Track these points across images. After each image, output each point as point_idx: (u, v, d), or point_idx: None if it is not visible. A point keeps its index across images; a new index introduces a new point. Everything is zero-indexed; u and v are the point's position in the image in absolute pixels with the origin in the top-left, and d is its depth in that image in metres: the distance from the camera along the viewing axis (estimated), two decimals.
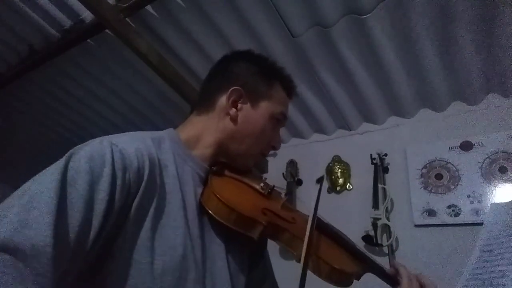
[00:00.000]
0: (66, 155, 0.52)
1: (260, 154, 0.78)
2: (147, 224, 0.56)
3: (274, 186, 0.79)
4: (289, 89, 0.81)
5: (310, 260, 0.66)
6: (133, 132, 0.66)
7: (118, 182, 0.52)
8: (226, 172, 0.75)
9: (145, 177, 0.57)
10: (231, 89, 0.73)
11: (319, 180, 0.78)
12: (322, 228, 0.76)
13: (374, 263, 0.76)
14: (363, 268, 0.74)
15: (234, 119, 0.73)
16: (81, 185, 0.49)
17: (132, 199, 0.55)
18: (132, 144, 0.59)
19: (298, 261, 0.62)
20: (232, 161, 0.76)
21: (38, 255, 0.42)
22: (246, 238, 0.68)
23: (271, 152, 0.82)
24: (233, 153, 0.75)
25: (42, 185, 0.47)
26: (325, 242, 0.74)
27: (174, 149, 0.68)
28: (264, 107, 0.75)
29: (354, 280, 0.71)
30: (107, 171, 0.52)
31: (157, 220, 0.58)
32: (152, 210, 0.57)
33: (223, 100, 0.74)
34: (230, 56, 0.82)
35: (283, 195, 0.83)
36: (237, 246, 0.72)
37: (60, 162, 0.51)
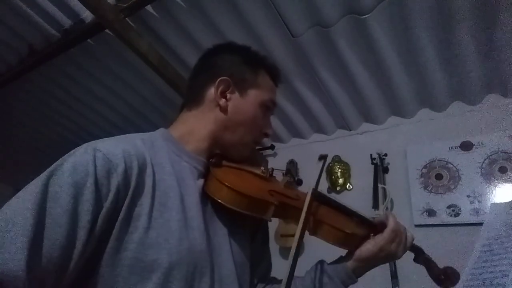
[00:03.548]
0: (49, 169, 0.52)
1: (253, 143, 0.79)
2: (143, 222, 0.56)
3: (273, 169, 0.81)
4: (275, 76, 0.81)
5: (321, 229, 0.72)
6: (123, 135, 0.66)
7: (103, 190, 0.53)
8: (225, 163, 0.76)
9: (134, 178, 0.57)
10: (218, 79, 0.73)
11: (322, 157, 0.80)
12: (325, 201, 0.79)
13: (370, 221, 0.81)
14: (369, 230, 0.78)
15: (224, 109, 0.74)
16: (65, 199, 0.49)
17: (123, 201, 0.55)
18: (119, 146, 0.58)
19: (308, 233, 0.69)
20: (227, 152, 0.76)
21: (13, 280, 0.43)
22: (257, 221, 0.69)
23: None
24: (227, 143, 0.75)
25: (20, 204, 0.48)
26: (331, 211, 0.78)
27: (167, 147, 0.69)
28: (253, 95, 0.75)
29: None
30: (90, 181, 0.52)
31: (159, 215, 0.58)
32: (147, 209, 0.57)
33: (211, 92, 0.74)
34: (213, 49, 0.82)
35: (282, 176, 0.86)
36: (239, 236, 0.73)
37: (42, 177, 0.51)
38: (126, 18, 1.67)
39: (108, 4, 1.62)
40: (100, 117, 2.52)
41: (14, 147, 3.11)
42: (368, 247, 0.73)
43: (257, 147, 0.84)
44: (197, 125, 0.74)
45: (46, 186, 0.50)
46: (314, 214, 0.72)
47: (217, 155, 0.75)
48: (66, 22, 1.81)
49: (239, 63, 0.77)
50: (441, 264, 0.83)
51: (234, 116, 0.74)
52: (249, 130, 0.76)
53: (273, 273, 0.88)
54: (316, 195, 0.73)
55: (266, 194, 0.70)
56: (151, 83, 2.07)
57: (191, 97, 0.78)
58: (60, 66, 2.10)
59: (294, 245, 0.61)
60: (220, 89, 0.74)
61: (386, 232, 0.74)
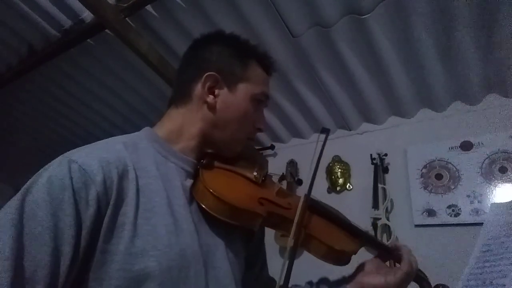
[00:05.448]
0: (24, 186, 0.51)
1: (246, 139, 0.76)
2: (128, 231, 0.53)
3: (267, 172, 0.77)
4: (267, 66, 0.77)
5: (310, 243, 0.68)
6: (102, 141, 0.63)
7: (82, 202, 0.51)
8: (216, 164, 0.72)
9: (114, 187, 0.54)
10: (205, 75, 0.70)
11: (324, 131, 0.76)
12: (317, 210, 0.75)
13: (371, 237, 0.77)
14: (360, 243, 0.75)
15: (212, 107, 0.70)
16: (43, 216, 0.48)
17: (104, 212, 0.53)
18: (95, 156, 0.55)
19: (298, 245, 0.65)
20: (219, 150, 0.73)
21: None
22: (245, 229, 0.66)
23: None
24: (218, 142, 0.72)
25: None
26: (322, 223, 0.74)
27: (153, 148, 0.66)
28: (243, 89, 0.71)
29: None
30: (67, 194, 0.50)
31: (145, 222, 0.56)
32: (131, 217, 0.54)
33: (198, 88, 0.71)
34: (200, 41, 0.77)
35: (277, 181, 0.82)
36: (234, 236, 0.71)
37: (18, 196, 0.50)
38: (126, 18, 1.67)
39: (108, 4, 1.62)
40: (100, 117, 2.52)
41: (14, 147, 3.11)
42: (376, 283, 0.69)
43: (256, 147, 0.81)
44: (185, 123, 0.71)
45: (22, 206, 0.48)
46: (305, 226, 0.68)
47: (208, 155, 0.72)
48: (66, 22, 1.81)
49: (227, 55, 0.73)
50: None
51: (223, 113, 0.70)
52: (241, 126, 0.72)
53: (273, 274, 0.88)
54: (309, 203, 0.69)
55: (254, 203, 0.67)
56: (151, 83, 2.07)
57: (178, 93, 0.74)
58: (60, 66, 2.10)
59: (286, 258, 0.58)
60: (207, 85, 0.70)
61: (400, 274, 0.69)
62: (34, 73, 2.17)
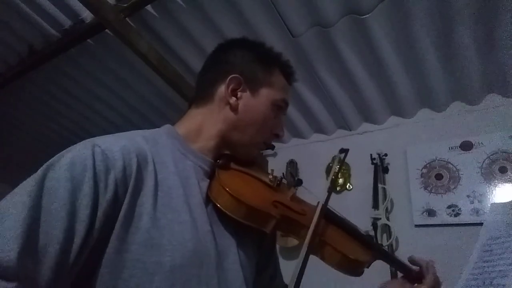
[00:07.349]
0: (46, 163, 0.51)
1: (263, 143, 0.76)
2: (145, 223, 0.54)
3: (282, 178, 0.77)
4: (289, 75, 0.79)
5: (324, 250, 0.68)
6: (124, 132, 0.64)
7: (101, 185, 0.51)
8: (232, 165, 0.73)
9: (133, 175, 0.55)
10: (229, 77, 0.71)
11: (343, 151, 0.78)
12: (333, 219, 0.76)
13: (386, 252, 0.77)
14: (374, 256, 0.75)
15: (234, 108, 0.71)
16: (62, 193, 0.48)
17: (122, 199, 0.53)
18: (118, 143, 0.57)
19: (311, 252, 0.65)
20: (235, 152, 0.74)
21: (4, 269, 0.42)
22: (258, 231, 0.67)
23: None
24: (236, 144, 0.73)
25: (16, 198, 0.47)
26: (337, 232, 0.74)
27: (172, 145, 0.67)
28: (265, 94, 0.73)
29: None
30: (88, 175, 0.50)
31: (162, 216, 0.56)
32: (149, 209, 0.55)
33: (222, 89, 0.72)
34: (225, 45, 0.79)
35: (291, 187, 0.82)
36: (247, 238, 0.71)
37: (39, 172, 0.50)
38: (126, 18, 1.67)
39: (108, 4, 1.62)
40: (100, 117, 2.52)
41: (14, 147, 3.11)
42: None
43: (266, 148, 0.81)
44: (206, 123, 0.72)
45: (42, 181, 0.49)
46: (320, 233, 0.68)
47: (224, 156, 0.72)
48: (66, 22, 1.81)
49: (251, 60, 0.74)
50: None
51: (244, 115, 0.71)
52: (260, 130, 0.73)
53: None
54: (326, 212, 0.69)
55: (269, 205, 0.67)
56: (151, 83, 2.07)
57: (200, 94, 0.75)
58: (60, 66, 2.10)
59: (298, 266, 0.58)
60: (231, 87, 0.71)
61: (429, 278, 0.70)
62: (34, 73, 2.17)
